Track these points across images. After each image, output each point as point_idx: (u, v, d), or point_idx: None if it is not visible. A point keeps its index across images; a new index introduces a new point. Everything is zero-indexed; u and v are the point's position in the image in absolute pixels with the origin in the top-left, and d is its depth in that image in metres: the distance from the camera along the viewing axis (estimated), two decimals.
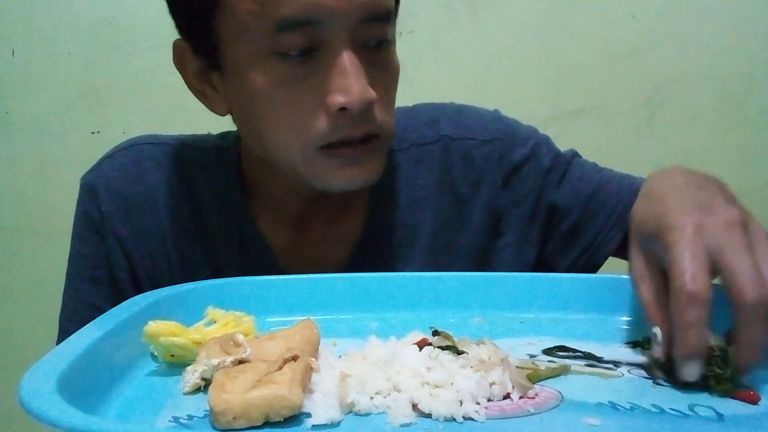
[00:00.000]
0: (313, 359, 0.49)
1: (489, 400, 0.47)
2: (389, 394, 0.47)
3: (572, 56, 1.50)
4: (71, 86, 1.50)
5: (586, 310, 0.67)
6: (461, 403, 0.45)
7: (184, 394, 0.49)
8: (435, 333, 0.56)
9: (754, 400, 0.48)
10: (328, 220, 0.82)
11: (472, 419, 0.44)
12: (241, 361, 0.49)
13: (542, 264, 0.85)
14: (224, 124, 0.81)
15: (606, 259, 0.82)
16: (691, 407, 0.47)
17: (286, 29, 0.64)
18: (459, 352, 0.52)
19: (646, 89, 1.51)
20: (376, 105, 0.68)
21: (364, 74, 0.66)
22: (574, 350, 0.57)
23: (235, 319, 0.59)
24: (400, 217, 0.82)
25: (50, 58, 1.49)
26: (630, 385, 0.51)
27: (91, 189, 0.81)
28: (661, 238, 0.52)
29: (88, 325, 0.54)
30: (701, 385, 0.49)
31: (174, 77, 0.77)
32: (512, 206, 0.84)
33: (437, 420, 0.44)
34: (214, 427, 0.43)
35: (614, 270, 0.70)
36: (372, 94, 0.66)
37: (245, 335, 0.54)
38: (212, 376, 0.48)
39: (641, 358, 0.56)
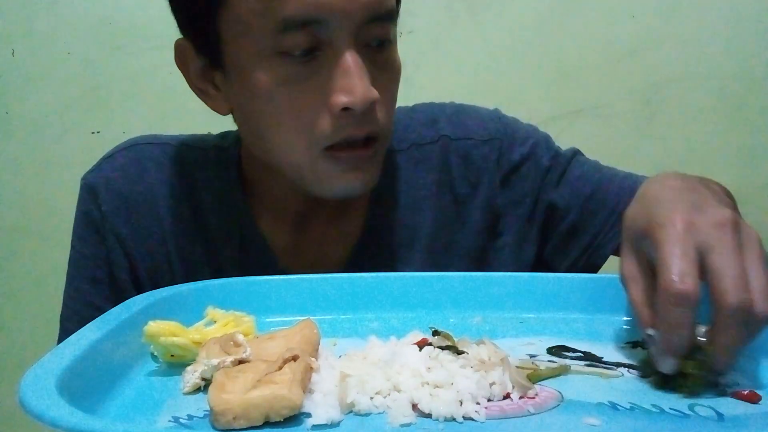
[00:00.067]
0: (313, 359, 0.49)
1: (489, 400, 0.47)
2: (389, 394, 0.47)
3: (572, 56, 1.50)
4: (71, 86, 1.50)
5: (586, 310, 0.67)
6: (461, 403, 0.45)
7: (184, 394, 0.49)
8: (435, 333, 0.56)
9: (754, 400, 0.48)
10: (328, 220, 0.82)
11: (472, 419, 0.44)
12: (241, 361, 0.49)
13: (542, 264, 0.85)
14: (224, 124, 0.81)
15: (606, 259, 0.82)
16: (691, 407, 0.47)
17: (289, 29, 0.64)
18: (459, 352, 0.52)
19: (646, 89, 1.51)
20: (378, 105, 0.68)
21: (367, 74, 0.66)
22: (574, 350, 0.57)
23: (235, 319, 0.59)
24: (400, 217, 0.82)
25: (50, 58, 1.49)
26: (630, 385, 0.51)
27: (91, 189, 0.81)
28: (651, 235, 0.51)
29: (88, 325, 0.54)
30: (675, 384, 0.49)
31: (174, 77, 0.77)
32: (511, 206, 0.84)
33: (437, 420, 0.44)
34: (214, 427, 0.43)
35: (614, 270, 0.70)
36: (375, 94, 0.66)
37: (245, 335, 0.54)
38: (212, 376, 0.48)
39: (640, 359, 0.56)
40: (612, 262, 0.82)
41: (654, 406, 0.47)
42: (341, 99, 0.66)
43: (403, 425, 0.44)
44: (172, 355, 0.54)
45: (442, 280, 0.69)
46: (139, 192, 0.81)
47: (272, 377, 0.45)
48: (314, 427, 0.43)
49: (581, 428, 0.44)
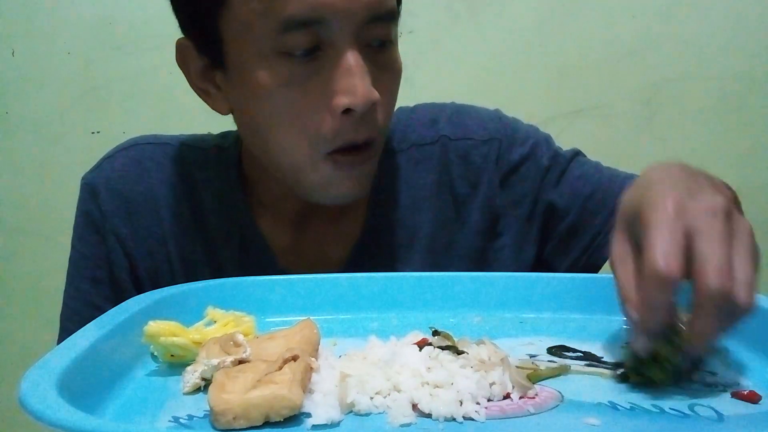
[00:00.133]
0: (313, 359, 0.49)
1: (489, 400, 0.47)
2: (389, 394, 0.47)
3: (572, 56, 1.50)
4: (71, 86, 1.50)
5: (586, 310, 0.67)
6: (461, 403, 0.45)
7: (184, 394, 0.49)
8: (435, 333, 0.56)
9: (754, 400, 0.48)
10: (328, 220, 0.82)
11: (472, 419, 0.44)
12: (241, 361, 0.49)
13: (542, 264, 0.85)
14: (224, 124, 0.81)
15: (606, 259, 0.82)
16: (691, 407, 0.47)
17: (291, 29, 0.64)
18: (459, 352, 0.52)
19: (646, 89, 1.51)
20: (378, 107, 0.68)
21: (369, 74, 0.66)
22: (574, 350, 0.57)
23: (235, 319, 0.59)
24: (400, 218, 0.82)
25: (50, 58, 1.49)
26: (630, 385, 0.51)
27: (91, 189, 0.81)
28: (642, 216, 0.51)
29: (88, 325, 0.54)
30: (647, 370, 0.49)
31: (174, 77, 0.77)
32: (510, 206, 0.84)
33: (437, 420, 0.44)
34: (214, 427, 0.43)
35: None
36: (376, 95, 0.66)
37: (245, 335, 0.54)
38: (212, 376, 0.48)
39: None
40: None
41: (654, 406, 0.47)
42: (343, 100, 0.66)
43: (403, 425, 0.44)
44: (172, 355, 0.54)
45: (442, 280, 0.69)
46: (139, 192, 0.81)
47: (272, 377, 0.45)
48: (314, 427, 0.43)
49: (581, 428, 0.44)
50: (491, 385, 0.48)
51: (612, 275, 0.53)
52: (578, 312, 0.67)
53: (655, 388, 0.49)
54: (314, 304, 0.67)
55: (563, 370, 0.53)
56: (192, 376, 0.49)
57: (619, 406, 0.47)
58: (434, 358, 0.51)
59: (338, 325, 0.65)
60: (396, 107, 0.76)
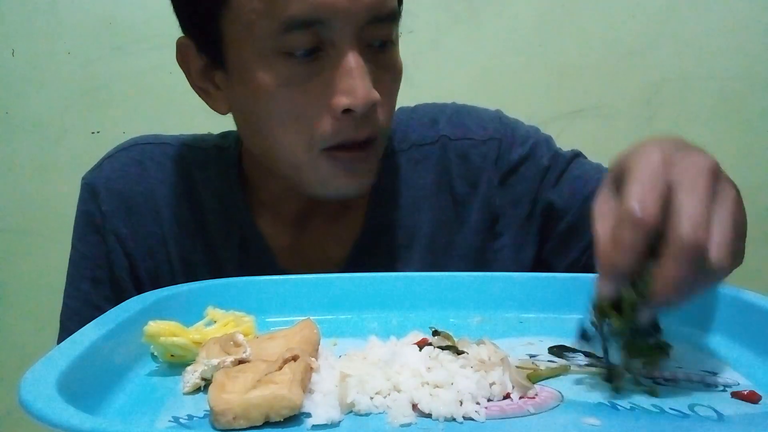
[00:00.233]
0: (313, 359, 0.49)
1: (489, 400, 0.47)
2: (389, 394, 0.47)
3: (572, 56, 1.50)
4: (71, 86, 1.50)
5: (587, 310, 0.66)
6: (461, 403, 0.45)
7: (184, 394, 0.49)
8: (435, 333, 0.56)
9: (754, 400, 0.48)
10: (327, 219, 0.82)
11: (472, 419, 0.44)
12: (241, 361, 0.49)
13: (542, 264, 0.85)
14: (224, 124, 0.81)
15: None
16: (691, 407, 0.47)
17: (292, 29, 0.64)
18: (459, 352, 0.52)
19: (646, 89, 1.51)
20: (379, 107, 0.68)
21: (369, 75, 0.66)
22: (574, 350, 0.57)
23: (235, 319, 0.59)
24: (400, 218, 0.82)
25: (50, 58, 1.49)
26: (630, 385, 0.51)
27: (91, 189, 0.82)
28: (627, 168, 0.49)
29: (88, 325, 0.54)
30: (607, 318, 0.48)
31: (174, 77, 0.77)
32: (509, 207, 0.84)
33: (437, 420, 0.44)
34: (214, 427, 0.43)
35: None
36: (376, 95, 0.66)
37: (245, 335, 0.54)
38: (212, 376, 0.48)
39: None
40: None
41: (654, 406, 0.47)
42: (343, 100, 0.66)
43: (403, 425, 0.44)
44: (172, 355, 0.54)
45: (442, 280, 0.69)
46: (139, 192, 0.81)
47: (272, 377, 0.45)
48: (314, 427, 0.43)
49: (581, 428, 0.44)
50: (491, 385, 0.48)
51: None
52: (578, 312, 0.66)
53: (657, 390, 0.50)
54: (314, 304, 0.67)
55: (563, 370, 0.53)
56: (192, 376, 0.49)
57: (619, 406, 0.47)
58: (434, 358, 0.51)
59: (338, 325, 0.65)
60: (396, 107, 0.76)
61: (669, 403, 0.47)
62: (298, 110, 0.68)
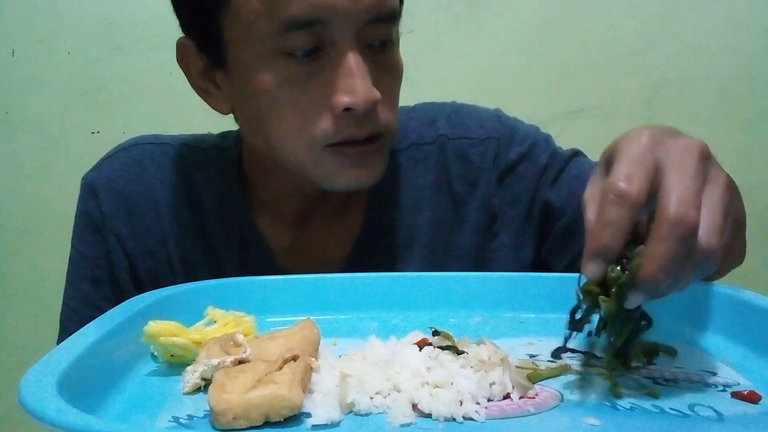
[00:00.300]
0: (313, 359, 0.49)
1: (489, 400, 0.47)
2: (389, 394, 0.47)
3: (572, 56, 1.50)
4: (71, 86, 1.50)
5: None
6: (461, 403, 0.45)
7: (184, 394, 0.49)
8: (435, 333, 0.56)
9: (754, 400, 0.48)
10: (327, 219, 0.82)
11: (472, 419, 0.44)
12: (241, 361, 0.49)
13: (541, 264, 0.85)
14: (224, 124, 0.81)
15: None
16: (691, 407, 0.47)
17: (292, 29, 0.65)
18: (459, 352, 0.52)
19: (646, 89, 1.51)
20: (380, 105, 0.68)
21: (369, 75, 0.66)
22: (574, 350, 0.57)
23: (235, 319, 0.59)
24: (399, 217, 0.82)
25: (50, 58, 1.49)
26: (630, 385, 0.51)
27: (91, 189, 0.82)
28: (615, 151, 0.49)
29: (88, 325, 0.54)
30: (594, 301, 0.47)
31: (174, 77, 0.77)
32: (508, 205, 0.84)
33: (437, 420, 0.44)
34: (214, 427, 0.43)
35: None
36: (377, 94, 0.66)
37: (245, 335, 0.54)
38: (212, 376, 0.48)
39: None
40: None
41: (654, 406, 0.47)
42: (343, 99, 0.66)
43: (403, 425, 0.44)
44: (172, 355, 0.54)
45: (442, 280, 0.69)
46: (139, 192, 0.81)
47: (272, 377, 0.45)
48: (314, 427, 0.43)
49: (581, 428, 0.44)
50: (491, 385, 0.48)
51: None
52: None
53: (657, 390, 0.49)
54: (314, 304, 0.67)
55: (563, 370, 0.53)
56: (192, 376, 0.49)
57: (619, 406, 0.47)
58: (434, 358, 0.51)
59: (338, 325, 0.65)
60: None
61: (669, 403, 0.47)
62: (299, 109, 0.68)
